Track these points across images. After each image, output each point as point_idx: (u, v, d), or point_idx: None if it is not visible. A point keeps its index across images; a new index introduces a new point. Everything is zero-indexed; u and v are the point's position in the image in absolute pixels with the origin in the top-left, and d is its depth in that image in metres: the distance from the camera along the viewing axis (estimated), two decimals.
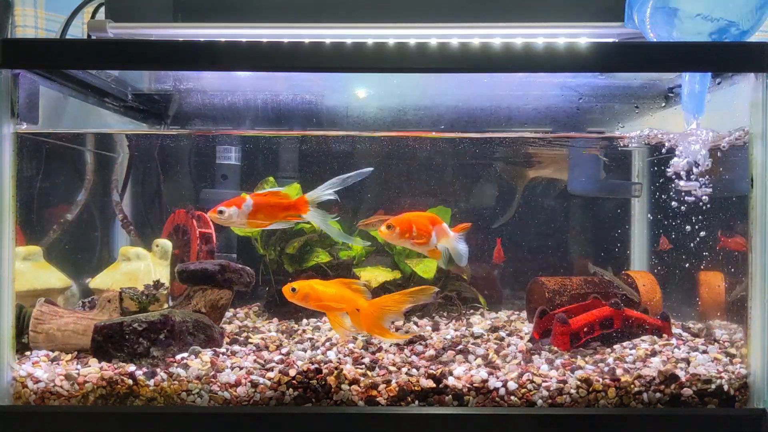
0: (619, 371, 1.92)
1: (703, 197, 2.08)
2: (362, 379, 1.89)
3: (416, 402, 1.85)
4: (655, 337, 2.20)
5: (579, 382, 1.87)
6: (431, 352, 2.10)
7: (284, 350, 2.13)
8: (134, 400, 1.84)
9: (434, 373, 1.90)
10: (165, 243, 2.69)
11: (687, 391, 1.86)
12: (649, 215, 2.87)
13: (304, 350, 2.13)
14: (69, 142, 2.80)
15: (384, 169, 2.91)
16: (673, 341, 2.18)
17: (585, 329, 2.14)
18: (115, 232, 2.97)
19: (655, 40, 2.04)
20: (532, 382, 1.87)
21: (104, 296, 2.24)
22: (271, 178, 2.81)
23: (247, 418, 1.81)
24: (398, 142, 2.75)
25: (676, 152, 2.09)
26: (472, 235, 2.19)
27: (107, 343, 1.98)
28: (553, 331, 2.15)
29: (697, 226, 2.17)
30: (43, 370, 1.90)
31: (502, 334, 2.36)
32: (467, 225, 2.18)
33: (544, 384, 1.87)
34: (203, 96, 2.57)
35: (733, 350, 2.08)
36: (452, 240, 2.15)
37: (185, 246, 2.84)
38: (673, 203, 2.18)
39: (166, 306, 2.35)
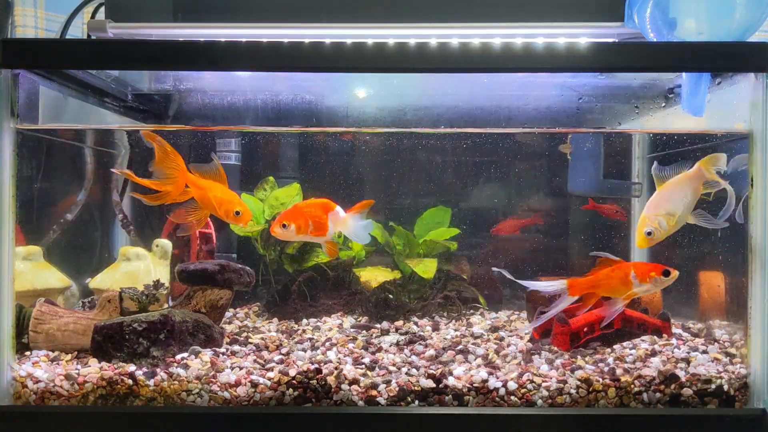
0: (619, 371, 1.92)
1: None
2: (362, 379, 1.89)
3: (416, 402, 1.85)
4: (655, 337, 2.20)
5: (579, 382, 1.87)
6: (431, 352, 2.10)
7: (284, 350, 2.13)
8: (134, 400, 1.84)
9: (434, 373, 1.90)
10: (165, 243, 2.69)
11: (687, 391, 1.86)
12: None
13: (304, 350, 2.13)
14: (69, 140, 2.80)
15: (387, 167, 2.91)
16: (673, 341, 2.18)
17: (585, 329, 2.14)
18: (115, 232, 2.96)
19: (655, 40, 2.04)
20: (532, 382, 1.87)
21: (104, 296, 2.23)
22: (271, 178, 2.81)
23: (247, 418, 1.81)
24: (399, 140, 2.75)
25: None
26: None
27: (107, 343, 1.98)
28: (553, 331, 2.15)
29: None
30: (43, 370, 1.90)
31: (502, 334, 2.36)
32: (368, 202, 2.04)
33: (544, 384, 1.87)
34: (203, 96, 2.57)
35: (733, 350, 2.08)
36: (349, 222, 2.01)
37: (185, 246, 2.84)
38: None
39: (166, 306, 2.35)
